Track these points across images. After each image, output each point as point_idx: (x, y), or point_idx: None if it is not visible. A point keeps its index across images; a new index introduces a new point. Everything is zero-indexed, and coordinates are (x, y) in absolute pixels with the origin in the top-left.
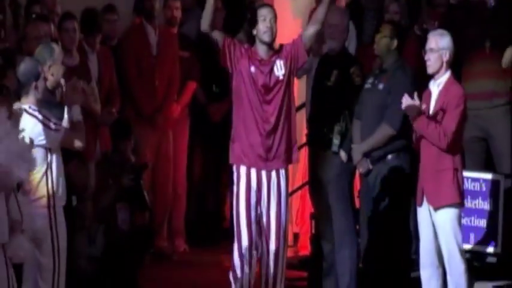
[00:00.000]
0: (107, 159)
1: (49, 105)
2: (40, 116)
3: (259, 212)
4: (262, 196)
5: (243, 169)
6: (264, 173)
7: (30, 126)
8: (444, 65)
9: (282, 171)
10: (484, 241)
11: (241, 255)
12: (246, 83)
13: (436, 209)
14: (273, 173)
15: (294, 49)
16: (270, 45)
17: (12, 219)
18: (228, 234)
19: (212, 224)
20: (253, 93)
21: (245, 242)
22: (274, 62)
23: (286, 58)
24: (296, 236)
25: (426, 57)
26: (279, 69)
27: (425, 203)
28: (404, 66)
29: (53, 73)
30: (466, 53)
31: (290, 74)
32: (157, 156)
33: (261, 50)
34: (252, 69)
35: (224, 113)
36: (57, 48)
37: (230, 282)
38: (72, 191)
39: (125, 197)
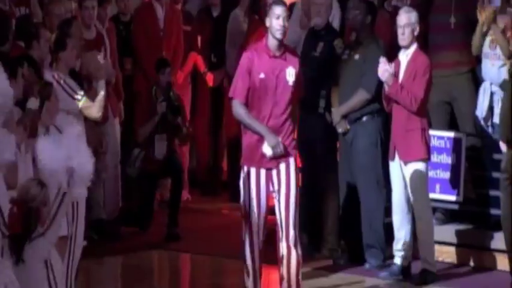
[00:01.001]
0: (149, 93)
1: (71, 75)
2: (64, 84)
3: (270, 191)
4: (273, 181)
5: (252, 170)
6: (274, 171)
7: (56, 93)
8: (414, 37)
9: (290, 159)
10: (447, 191)
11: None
12: (255, 85)
13: (406, 163)
14: (282, 164)
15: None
16: (281, 41)
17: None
18: (225, 186)
19: (212, 176)
20: (263, 94)
21: (255, 225)
22: (287, 66)
23: (297, 71)
24: None
25: (401, 32)
26: (290, 76)
27: (397, 158)
28: (377, 39)
29: (74, 45)
30: (432, 28)
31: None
32: None
33: (273, 45)
34: (262, 75)
35: (221, 80)
36: (76, 24)
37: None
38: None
39: (164, 128)
